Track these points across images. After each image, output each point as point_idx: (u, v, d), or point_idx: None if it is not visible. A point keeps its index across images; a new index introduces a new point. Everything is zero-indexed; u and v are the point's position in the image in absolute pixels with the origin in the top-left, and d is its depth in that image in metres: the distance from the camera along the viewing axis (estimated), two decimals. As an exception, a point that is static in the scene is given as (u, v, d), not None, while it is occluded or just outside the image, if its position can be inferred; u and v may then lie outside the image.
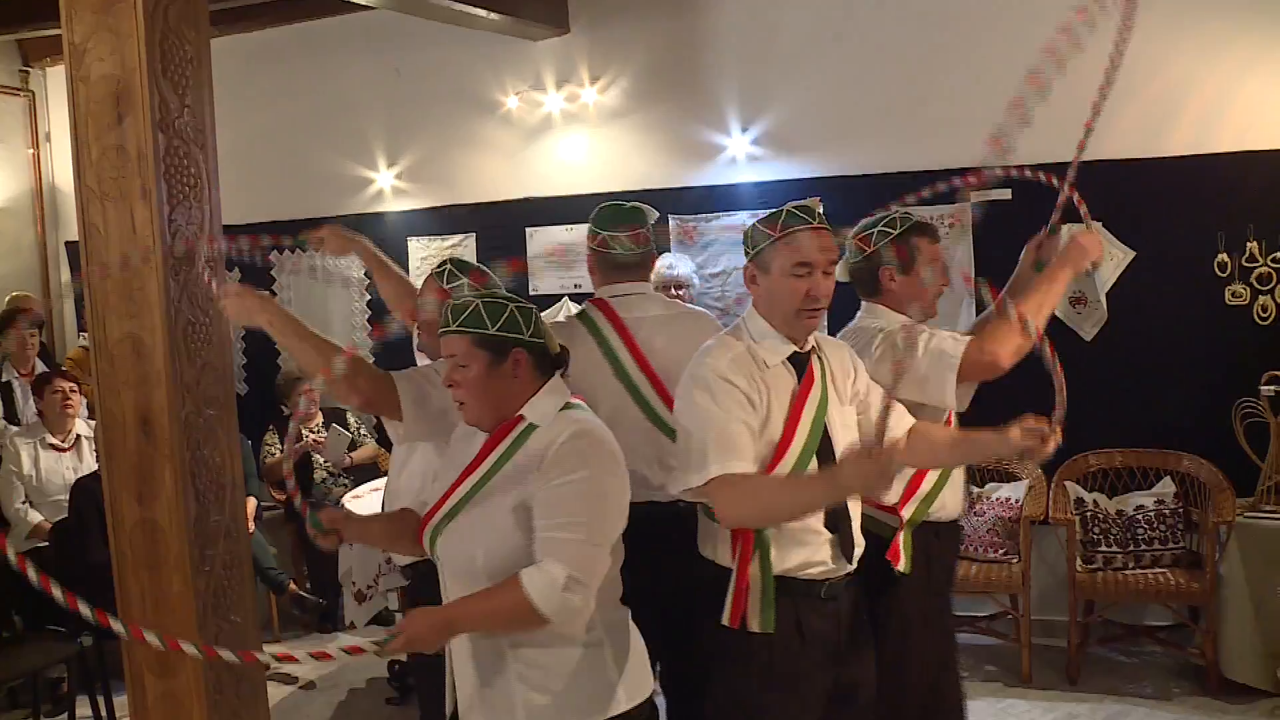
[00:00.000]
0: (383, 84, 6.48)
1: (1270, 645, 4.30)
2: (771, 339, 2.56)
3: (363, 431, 6.42)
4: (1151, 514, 4.81)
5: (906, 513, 2.92)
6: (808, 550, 2.52)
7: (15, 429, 5.54)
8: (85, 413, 5.41)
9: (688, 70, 5.86)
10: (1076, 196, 3.07)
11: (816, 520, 2.52)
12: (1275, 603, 4.29)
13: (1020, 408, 2.75)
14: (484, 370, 2.31)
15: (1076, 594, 4.73)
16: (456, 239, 6.43)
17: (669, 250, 5.69)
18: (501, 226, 6.28)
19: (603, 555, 2.24)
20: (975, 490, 5.14)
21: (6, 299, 6.58)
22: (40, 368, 5.98)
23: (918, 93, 5.40)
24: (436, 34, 6.09)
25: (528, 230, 6.24)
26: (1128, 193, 5.05)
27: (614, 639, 2.36)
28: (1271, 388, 4.52)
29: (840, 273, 2.65)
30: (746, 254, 2.61)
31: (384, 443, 6.46)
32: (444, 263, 2.94)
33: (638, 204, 3.20)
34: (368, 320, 6.72)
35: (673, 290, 4.83)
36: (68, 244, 7.40)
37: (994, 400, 5.02)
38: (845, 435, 2.60)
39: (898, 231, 2.99)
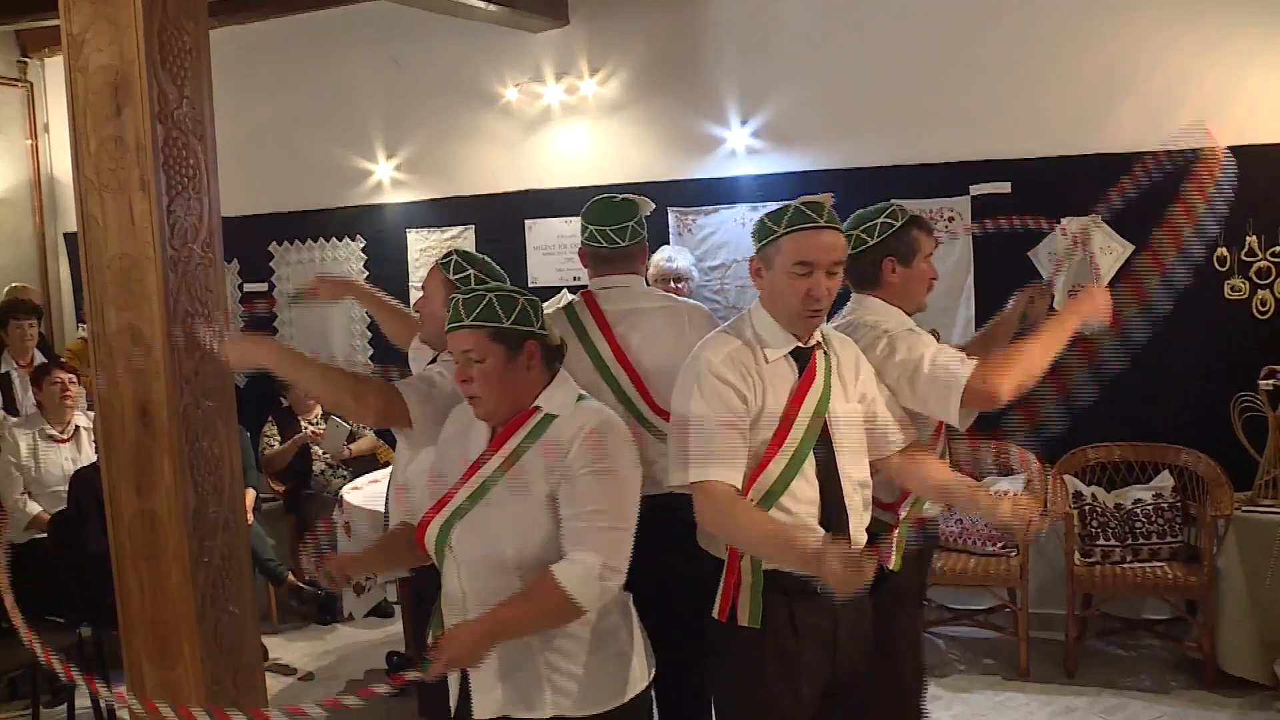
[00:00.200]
0: (382, 76, 6.47)
1: (1267, 639, 4.31)
2: (774, 333, 2.56)
3: (362, 425, 6.42)
4: (1150, 508, 4.82)
5: (903, 510, 2.93)
6: None
7: (14, 420, 5.54)
8: (84, 404, 5.41)
9: (687, 63, 5.86)
10: (1092, 257, 3.01)
11: (811, 518, 2.52)
12: (1271, 595, 4.30)
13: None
14: (500, 364, 2.33)
15: (1074, 587, 4.73)
16: (455, 231, 6.42)
17: (667, 243, 5.69)
18: (501, 218, 6.28)
19: (630, 540, 2.30)
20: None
21: (5, 290, 6.59)
22: (39, 359, 5.97)
23: (917, 86, 5.39)
24: (435, 26, 6.08)
25: (527, 222, 6.23)
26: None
27: (626, 622, 2.42)
28: (1270, 382, 4.52)
29: None
30: (754, 244, 2.59)
31: (382, 435, 6.46)
32: (450, 253, 2.94)
33: (630, 196, 3.20)
34: (368, 327, 6.73)
35: (672, 283, 4.82)
36: (66, 235, 7.40)
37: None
38: (847, 432, 2.59)
39: (900, 223, 2.98)
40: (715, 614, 2.53)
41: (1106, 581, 4.71)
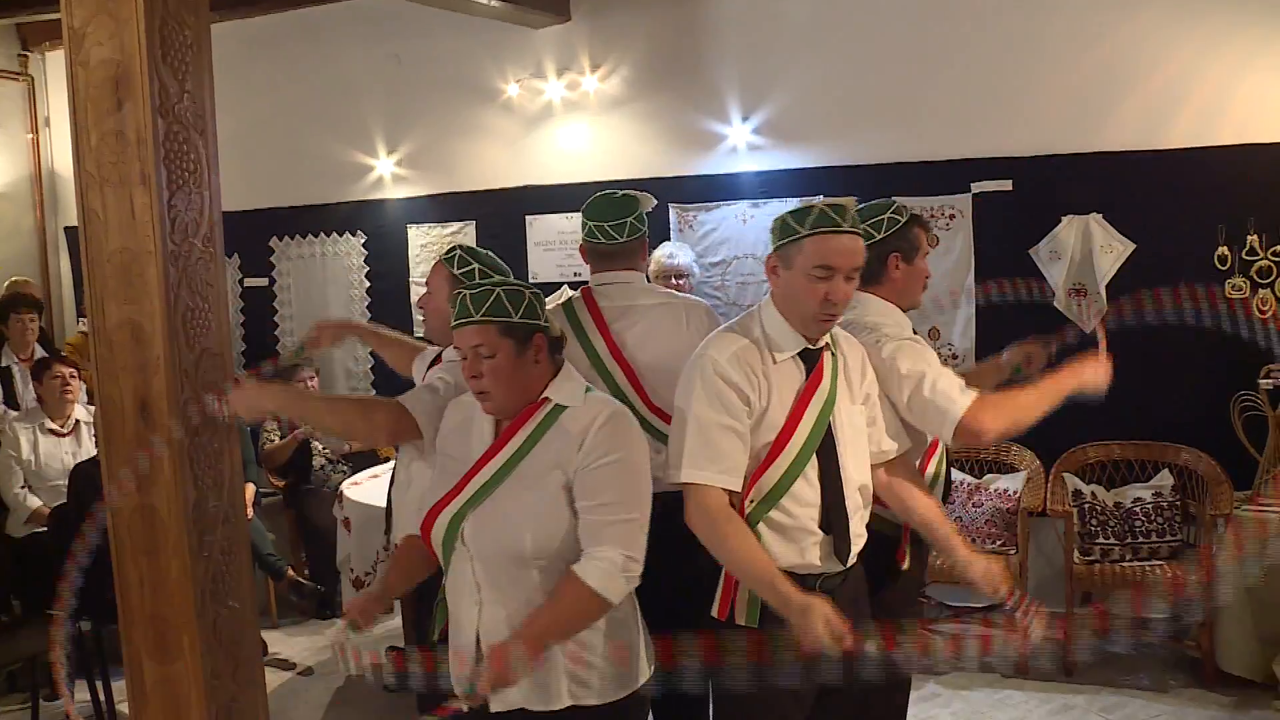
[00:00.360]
0: (383, 71, 6.48)
1: (1266, 637, 4.31)
2: (784, 333, 2.54)
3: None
4: (1149, 506, 4.82)
5: None
6: (799, 548, 2.52)
7: (14, 414, 5.54)
8: (84, 398, 5.41)
9: (689, 59, 5.85)
10: (1101, 332, 3.00)
11: (811, 520, 2.52)
12: (1269, 594, 4.30)
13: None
14: (510, 358, 2.34)
15: (1074, 586, 4.73)
16: (456, 226, 6.42)
17: (668, 239, 5.69)
18: (501, 214, 6.28)
19: (645, 528, 2.33)
20: (973, 481, 5.15)
21: (6, 284, 6.58)
22: (39, 353, 5.97)
23: (919, 83, 5.39)
24: (437, 21, 6.08)
25: (528, 218, 6.24)
26: (1128, 185, 5.05)
27: (634, 614, 2.45)
28: (1269, 381, 4.52)
29: None
30: (772, 242, 2.56)
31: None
32: (453, 248, 2.94)
33: (630, 192, 3.20)
34: (369, 322, 6.73)
35: (674, 279, 4.82)
36: (67, 229, 7.40)
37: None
38: (851, 435, 2.59)
39: (904, 220, 2.98)
40: (714, 613, 2.53)
41: (1106, 580, 4.71)
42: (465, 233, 6.39)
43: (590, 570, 2.26)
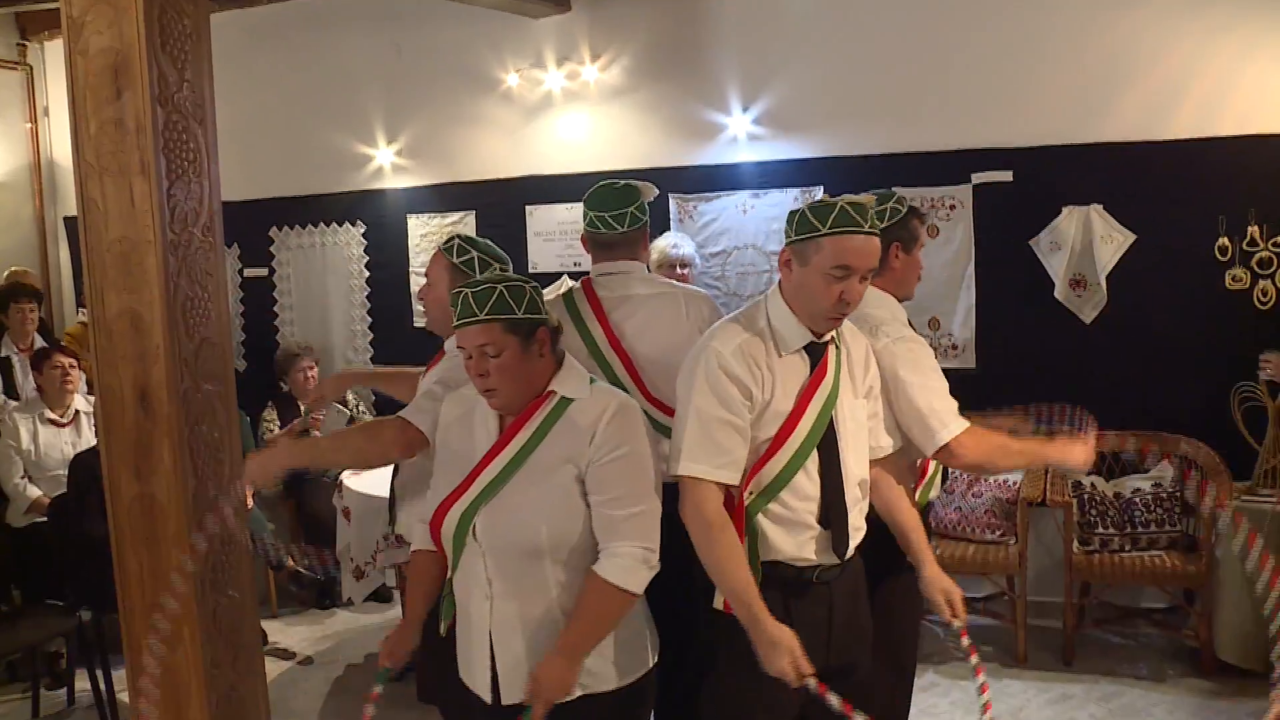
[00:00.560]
0: (383, 61, 6.46)
1: (1264, 628, 4.31)
2: (791, 327, 2.51)
3: (361, 409, 6.42)
4: (1149, 497, 4.82)
5: (920, 497, 2.95)
6: (797, 542, 2.52)
7: (14, 404, 5.54)
8: (84, 388, 5.41)
9: (689, 49, 5.84)
10: (1093, 433, 3.02)
11: (809, 514, 2.52)
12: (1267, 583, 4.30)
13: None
14: (517, 355, 2.34)
15: (1073, 576, 4.74)
16: (456, 216, 6.42)
17: (668, 229, 5.68)
18: (501, 204, 6.27)
19: (659, 518, 2.36)
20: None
21: (5, 274, 6.58)
22: (39, 343, 5.97)
23: (919, 74, 5.38)
24: (437, 11, 6.06)
25: (527, 208, 6.23)
26: (1129, 176, 5.05)
27: (642, 600, 2.45)
28: (1266, 373, 4.52)
29: None
30: (786, 235, 2.51)
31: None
32: (452, 238, 2.93)
33: (631, 182, 3.19)
34: (368, 312, 6.74)
35: (678, 269, 4.82)
36: (66, 219, 7.39)
37: (996, 377, 5.04)
38: (853, 429, 2.58)
39: (905, 211, 2.98)
40: (718, 605, 2.53)
41: (1105, 570, 4.72)
42: (465, 223, 6.38)
43: (611, 568, 2.29)
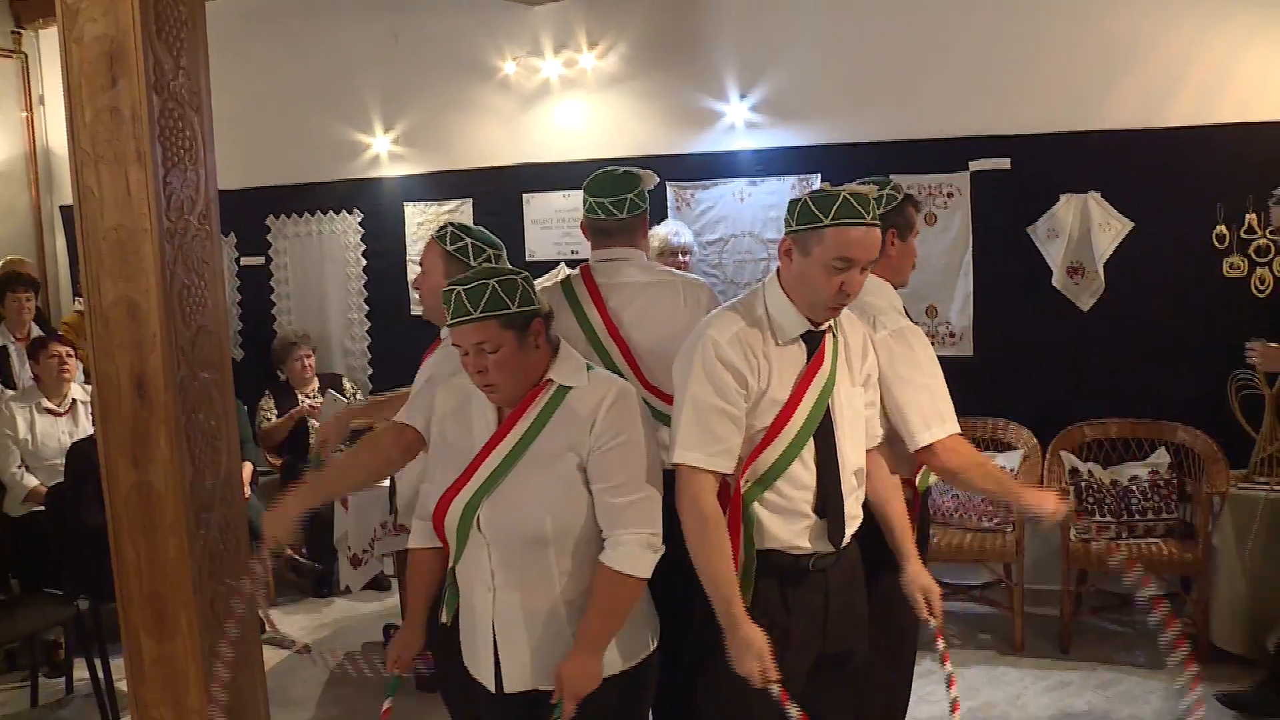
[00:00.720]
0: (380, 48, 6.44)
1: (1260, 615, 4.33)
2: (789, 316, 2.51)
3: (359, 397, 6.42)
4: (1145, 484, 4.83)
5: (920, 483, 2.95)
6: (793, 531, 2.52)
7: (11, 393, 5.53)
8: (81, 377, 5.40)
9: (686, 36, 5.83)
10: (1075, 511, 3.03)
11: (805, 503, 2.51)
12: (1262, 571, 4.31)
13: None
14: (514, 349, 2.34)
15: (1069, 563, 4.74)
16: (453, 204, 6.41)
17: (665, 217, 5.67)
18: (498, 192, 6.27)
19: (660, 502, 2.38)
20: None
21: (1, 263, 6.56)
22: (36, 332, 5.96)
23: (917, 61, 5.37)
24: (434, -2, 6.05)
25: (524, 196, 6.22)
26: (1127, 164, 5.04)
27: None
28: (1253, 356, 4.50)
29: None
30: (787, 223, 2.50)
31: (380, 409, 6.46)
32: (444, 226, 2.92)
33: (631, 169, 3.18)
34: (365, 300, 6.73)
35: (680, 257, 4.81)
36: (62, 208, 7.38)
37: (994, 365, 5.03)
38: (849, 418, 2.58)
39: (901, 198, 2.98)
40: None
41: (1101, 558, 4.72)
42: (462, 210, 6.37)
43: (617, 557, 2.31)
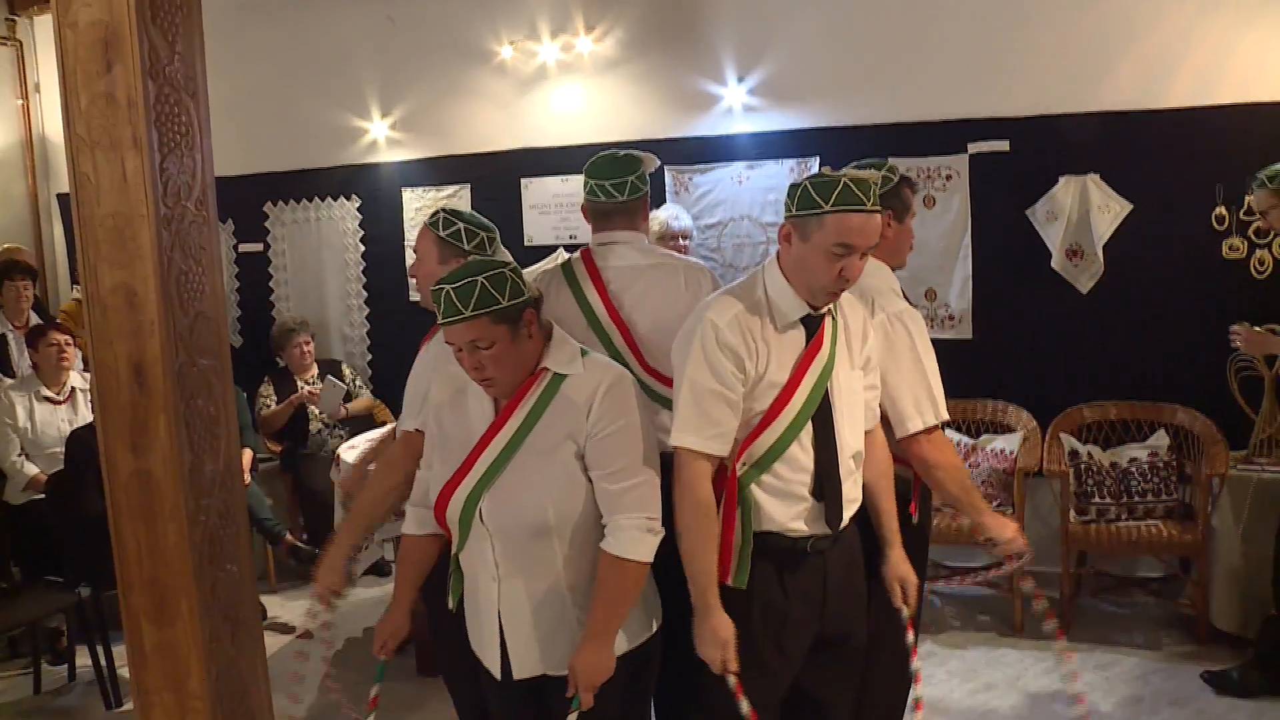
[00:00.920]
0: (377, 33, 6.42)
1: (1259, 596, 4.33)
2: (788, 299, 2.51)
3: (358, 383, 6.42)
4: (1145, 466, 4.83)
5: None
6: (790, 513, 2.53)
7: (10, 382, 5.53)
8: (80, 365, 5.40)
9: (684, 20, 5.81)
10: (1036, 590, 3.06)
11: (803, 486, 2.52)
12: (1262, 551, 4.32)
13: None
14: (508, 343, 2.34)
15: (1069, 545, 4.75)
16: (451, 189, 6.39)
17: (664, 201, 5.66)
18: (496, 177, 6.25)
19: (658, 486, 2.38)
20: (970, 442, 5.16)
21: (-1, 251, 6.56)
22: (34, 320, 5.96)
23: (915, 43, 5.36)
24: (430, -18, 6.02)
25: (522, 181, 6.20)
26: (1126, 145, 5.03)
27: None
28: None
29: None
30: (787, 207, 2.50)
31: (379, 394, 6.46)
32: (436, 212, 2.92)
33: (632, 152, 3.18)
34: (364, 287, 6.72)
35: (679, 241, 4.81)
36: (59, 196, 7.36)
37: (992, 348, 5.01)
38: (848, 401, 2.58)
39: (896, 180, 2.98)
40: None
41: (1101, 540, 4.73)
42: (460, 196, 6.36)
43: (618, 543, 2.32)
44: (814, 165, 5.53)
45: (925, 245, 5.28)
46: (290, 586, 5.81)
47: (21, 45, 7.26)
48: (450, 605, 2.57)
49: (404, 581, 2.69)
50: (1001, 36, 5.21)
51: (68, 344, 5.36)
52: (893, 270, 3.01)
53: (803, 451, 2.51)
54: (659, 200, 5.59)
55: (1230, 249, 4.90)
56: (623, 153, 3.17)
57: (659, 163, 3.29)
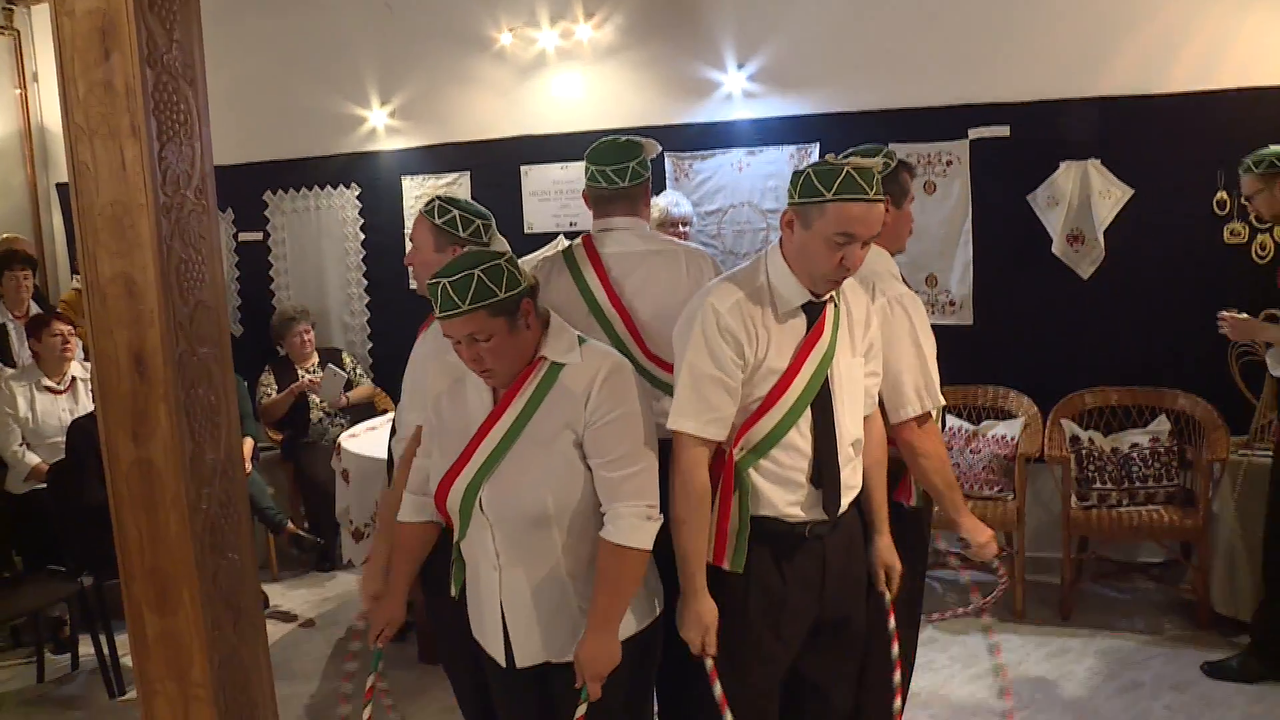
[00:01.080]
0: (375, 21, 6.40)
1: (1260, 581, 4.34)
2: (790, 286, 2.51)
3: (359, 371, 6.42)
4: (1146, 452, 4.83)
5: None
6: (788, 499, 2.53)
7: (11, 371, 5.53)
8: (80, 354, 5.40)
9: (683, 6, 5.79)
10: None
11: (800, 472, 2.52)
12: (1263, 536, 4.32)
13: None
14: (506, 334, 2.33)
15: (1070, 531, 4.76)
16: (451, 177, 6.38)
17: (664, 188, 5.65)
18: (496, 165, 6.24)
19: (656, 473, 2.38)
20: (971, 428, 5.16)
21: (-1, 240, 6.55)
22: (35, 310, 5.96)
23: (915, 29, 5.34)
24: (429, -31, 6.00)
25: (522, 168, 6.19)
26: (1127, 130, 5.02)
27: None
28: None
29: None
30: (790, 194, 2.49)
31: (380, 383, 6.46)
32: (431, 200, 2.91)
33: (634, 138, 3.17)
34: (364, 275, 6.71)
35: (679, 228, 4.80)
36: (58, 186, 7.35)
37: (993, 334, 5.01)
38: (848, 388, 2.58)
39: (894, 165, 2.97)
40: (710, 559, 2.54)
41: (1102, 525, 4.73)
42: (460, 184, 6.35)
43: (617, 531, 2.31)
44: (814, 151, 5.52)
45: (926, 231, 5.28)
46: (292, 575, 5.82)
47: (19, 34, 7.24)
48: (453, 593, 2.58)
49: (400, 570, 2.69)
50: (1002, 21, 5.20)
51: (71, 334, 5.36)
52: (892, 255, 3.00)
53: (801, 438, 2.51)
54: (659, 187, 5.58)
55: (1231, 234, 4.90)
56: (624, 138, 3.16)
57: (660, 149, 3.28)
